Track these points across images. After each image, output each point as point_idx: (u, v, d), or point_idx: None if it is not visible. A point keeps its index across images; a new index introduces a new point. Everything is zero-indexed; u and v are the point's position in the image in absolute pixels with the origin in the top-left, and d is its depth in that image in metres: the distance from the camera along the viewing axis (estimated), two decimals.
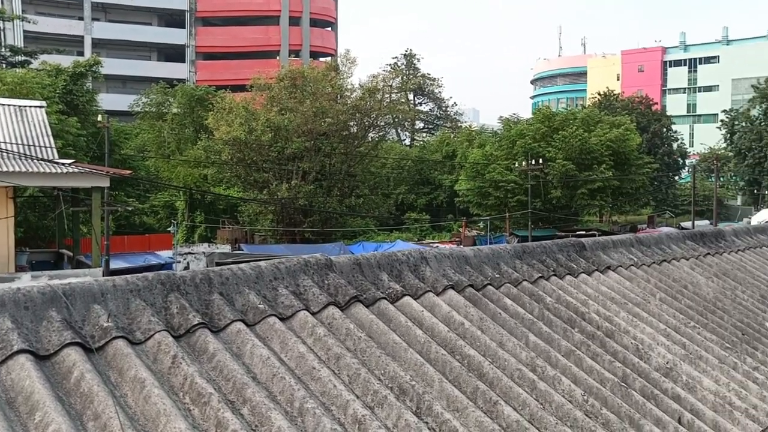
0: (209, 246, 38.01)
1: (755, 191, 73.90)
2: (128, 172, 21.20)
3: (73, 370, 2.55)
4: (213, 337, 2.93)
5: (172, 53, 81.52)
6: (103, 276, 18.84)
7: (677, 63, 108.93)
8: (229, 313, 3.06)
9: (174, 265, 32.75)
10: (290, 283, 3.45)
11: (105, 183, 14.79)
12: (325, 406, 2.75)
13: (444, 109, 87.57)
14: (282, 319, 3.19)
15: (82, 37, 75.48)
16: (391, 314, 3.54)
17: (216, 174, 47.46)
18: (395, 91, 60.07)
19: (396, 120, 67.57)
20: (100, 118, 35.57)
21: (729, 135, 76.66)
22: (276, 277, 3.42)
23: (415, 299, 3.78)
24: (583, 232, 46.47)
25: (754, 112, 74.96)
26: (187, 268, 33.56)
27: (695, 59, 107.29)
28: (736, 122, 76.04)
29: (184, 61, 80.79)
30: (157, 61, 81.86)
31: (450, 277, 4.10)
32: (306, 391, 2.75)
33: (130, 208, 19.37)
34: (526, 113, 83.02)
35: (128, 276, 3.05)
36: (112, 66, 64.08)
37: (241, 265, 3.39)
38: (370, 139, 51.01)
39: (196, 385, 2.61)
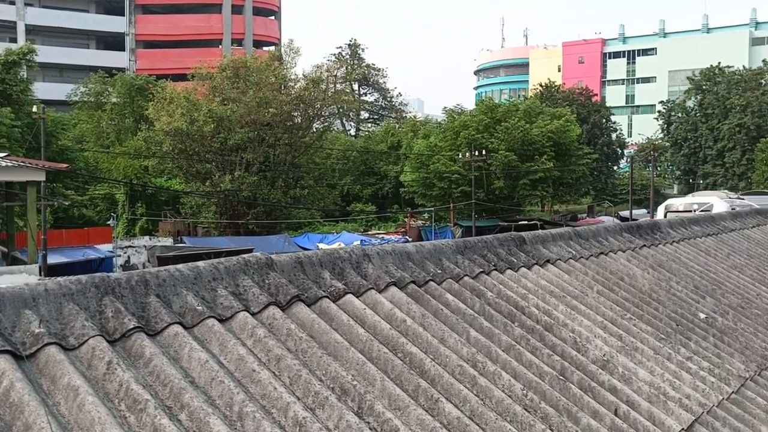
0: (150, 239, 37.34)
1: (690, 180, 76.20)
2: (64, 165, 20.63)
3: (2, 379, 2.46)
4: (149, 341, 2.87)
5: (111, 41, 79.58)
6: (41, 272, 18.34)
7: (616, 55, 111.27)
8: (166, 316, 3.00)
9: (114, 259, 32.09)
10: (230, 284, 3.40)
11: (41, 177, 14.34)
12: (265, 409, 2.72)
13: (389, 99, 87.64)
14: (221, 321, 3.14)
15: (15, 23, 72.97)
16: (333, 313, 3.53)
17: (157, 165, 46.60)
18: (340, 81, 59.92)
19: (341, 110, 67.40)
20: (35, 108, 34.50)
21: (666, 125, 78.90)
22: (215, 277, 3.37)
23: (357, 297, 3.77)
24: (525, 222, 47.23)
25: (690, 104, 77.23)
26: (127, 261, 32.95)
27: (634, 51, 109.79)
28: (673, 113, 78.28)
29: (123, 50, 78.94)
30: (96, 49, 79.79)
31: (392, 274, 4.11)
32: (246, 395, 2.72)
33: (67, 203, 18.83)
34: (470, 104, 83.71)
35: (61, 279, 2.96)
36: (47, 54, 62.14)
37: (179, 266, 3.33)
38: (314, 130, 50.74)
39: (132, 391, 2.55)
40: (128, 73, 63.82)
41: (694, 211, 35.88)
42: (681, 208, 39.43)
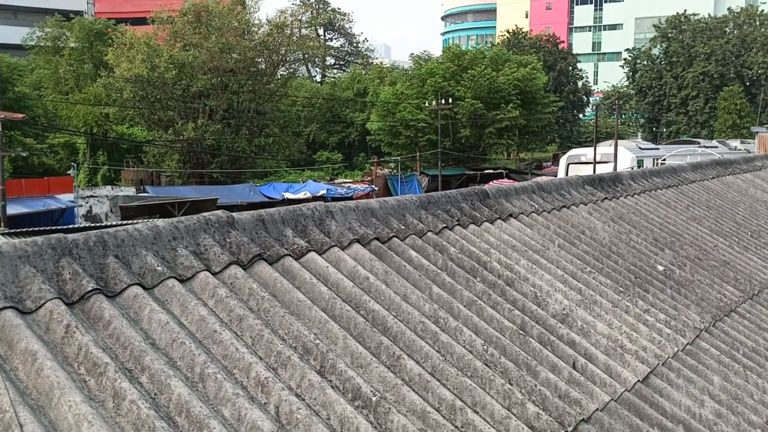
0: (113, 188, 36.81)
1: (654, 128, 77.03)
2: (21, 115, 20.09)
3: None
4: (109, 303, 2.84)
5: None
6: (0, 223, 17.96)
7: (583, 1, 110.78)
8: (126, 277, 2.97)
9: (76, 209, 31.63)
10: (190, 243, 3.37)
11: None
12: (227, 370, 2.73)
13: (355, 45, 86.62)
14: (181, 281, 3.12)
15: None
16: (296, 271, 3.52)
17: (118, 113, 45.66)
18: (305, 26, 58.86)
19: (306, 56, 66.34)
20: None
21: (631, 73, 79.28)
22: (175, 236, 3.33)
23: (320, 255, 3.77)
24: (491, 171, 47.43)
25: (655, 51, 77.57)
26: (89, 211, 32.50)
27: None
28: (638, 61, 78.60)
29: None
30: None
31: (356, 231, 4.10)
32: (207, 356, 2.72)
33: (25, 154, 18.37)
34: (438, 50, 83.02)
35: (15, 241, 2.90)
36: None
37: (138, 225, 3.28)
38: (279, 76, 50.01)
39: (91, 354, 2.53)
40: (86, 17, 61.93)
41: (598, 163, 36.00)
42: (584, 159, 39.37)
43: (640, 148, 40.06)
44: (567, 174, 33.49)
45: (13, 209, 26.36)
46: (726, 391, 4.24)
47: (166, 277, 3.08)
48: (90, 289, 2.84)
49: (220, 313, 3.02)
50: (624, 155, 37.34)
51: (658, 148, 41.60)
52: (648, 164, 34.85)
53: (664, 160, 36.21)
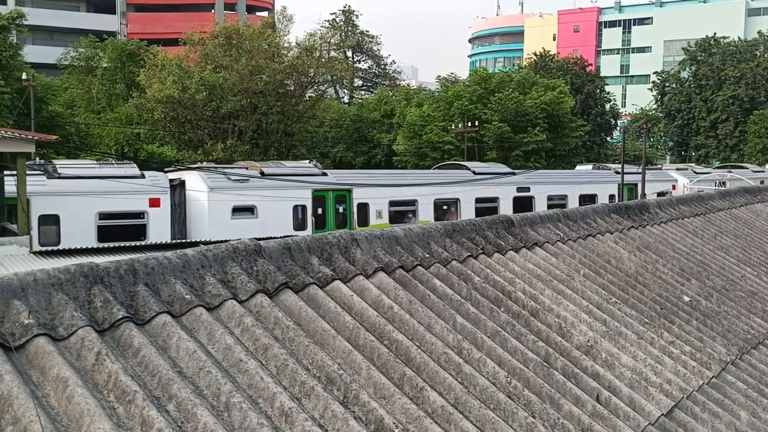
0: None
1: (683, 152, 76.32)
2: (54, 137, 20.46)
3: None
4: (138, 330, 2.91)
5: (102, 4, 78.41)
6: (30, 243, 18.28)
7: (612, 24, 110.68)
8: (155, 305, 3.04)
9: None
10: (218, 271, 3.43)
11: (30, 148, 14.29)
12: (252, 399, 2.77)
13: (383, 66, 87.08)
14: (209, 309, 3.18)
15: None
16: (321, 300, 3.57)
17: (149, 132, 46.33)
18: (333, 48, 59.36)
19: (334, 78, 66.90)
20: (25, 75, 34.04)
21: (660, 96, 78.77)
22: (203, 264, 3.40)
23: (345, 283, 3.81)
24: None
25: (684, 74, 77.07)
26: None
27: (629, 20, 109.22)
28: (667, 84, 78.12)
29: (114, 13, 77.90)
30: (86, 11, 78.73)
31: (380, 259, 4.14)
32: (233, 385, 2.77)
33: (57, 175, 18.73)
34: (465, 72, 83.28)
35: (49, 269, 2.98)
36: (37, 16, 61.35)
37: (167, 253, 3.35)
38: (307, 98, 50.45)
39: (120, 382, 2.59)
40: (119, 38, 63.10)
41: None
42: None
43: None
44: None
45: None
46: (753, 426, 4.19)
47: (194, 306, 3.14)
48: (120, 317, 2.91)
49: (245, 342, 3.07)
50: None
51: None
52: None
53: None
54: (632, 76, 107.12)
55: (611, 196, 31.50)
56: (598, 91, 74.40)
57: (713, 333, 5.15)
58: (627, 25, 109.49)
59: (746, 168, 45.22)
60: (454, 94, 52.05)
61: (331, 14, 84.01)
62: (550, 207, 27.74)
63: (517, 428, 3.20)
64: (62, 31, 72.93)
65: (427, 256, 4.46)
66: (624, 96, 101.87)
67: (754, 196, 9.97)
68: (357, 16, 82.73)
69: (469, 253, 4.75)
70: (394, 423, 2.86)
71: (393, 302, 3.78)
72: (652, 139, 77.64)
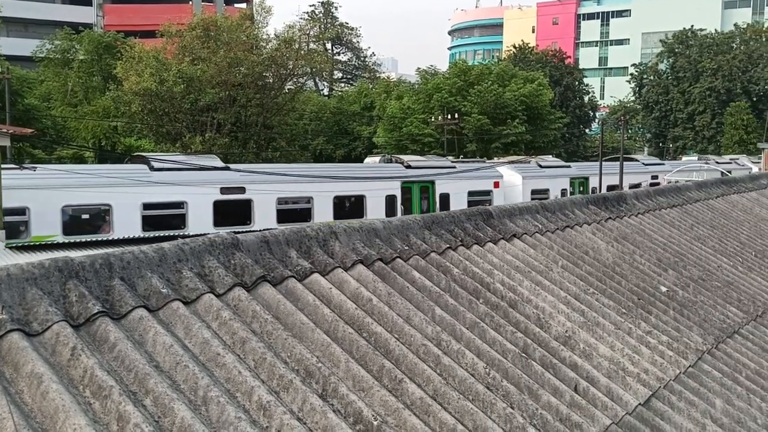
0: None
1: (660, 143, 76.97)
2: (30, 130, 20.29)
3: None
4: (114, 325, 2.88)
5: None
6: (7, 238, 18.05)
7: (590, 16, 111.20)
8: (131, 299, 3.01)
9: None
10: (195, 265, 3.40)
11: (5, 142, 14.09)
12: (229, 393, 2.76)
13: (362, 59, 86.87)
14: (186, 303, 3.15)
15: None
16: (299, 293, 3.55)
17: (126, 125, 45.91)
18: (313, 40, 59.13)
19: (313, 70, 66.63)
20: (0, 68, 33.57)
21: (638, 88, 79.35)
22: (180, 258, 3.37)
23: (323, 276, 3.80)
24: None
25: (662, 67, 77.65)
26: None
27: (608, 13, 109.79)
28: (645, 76, 78.69)
29: (90, 4, 77.02)
30: (62, 3, 77.74)
31: (359, 251, 4.13)
32: (210, 379, 2.75)
33: (34, 168, 18.54)
34: (445, 64, 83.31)
35: (23, 263, 2.94)
36: (12, 8, 60.42)
37: (143, 247, 3.32)
38: (286, 90, 50.23)
39: (96, 377, 2.57)
40: (96, 30, 62.41)
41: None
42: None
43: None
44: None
45: None
46: (728, 414, 4.24)
47: (170, 300, 3.11)
48: (96, 311, 2.88)
49: (223, 336, 3.06)
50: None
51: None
52: None
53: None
54: (610, 69, 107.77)
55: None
56: (577, 83, 74.81)
57: (690, 323, 5.20)
58: (605, 18, 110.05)
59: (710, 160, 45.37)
60: (434, 86, 52.13)
61: (310, 6, 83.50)
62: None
63: (496, 419, 3.22)
64: (37, 23, 72.03)
65: (407, 248, 4.46)
66: (602, 88, 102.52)
67: (730, 187, 10.07)
68: (336, 8, 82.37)
69: (448, 245, 4.76)
70: (373, 415, 2.85)
71: (372, 294, 3.77)
72: (630, 131, 78.21)
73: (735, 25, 76.78)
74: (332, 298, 3.62)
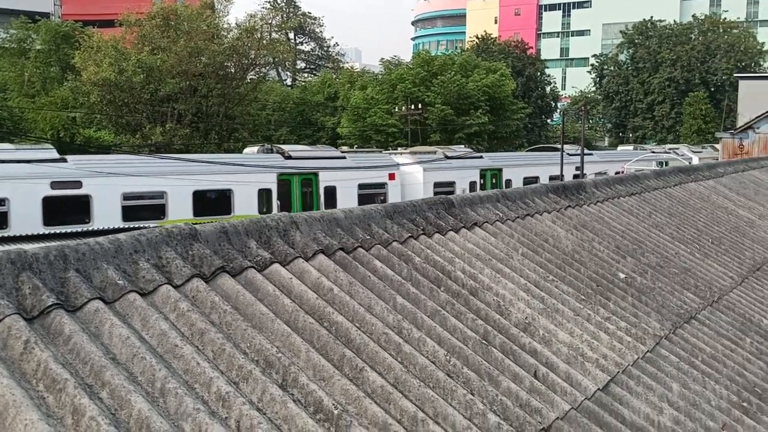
0: None
1: (620, 133, 78.03)
2: None
3: None
4: (69, 317, 2.82)
5: None
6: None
7: (552, 7, 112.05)
8: (86, 291, 2.96)
9: None
10: (152, 256, 3.36)
11: None
12: (188, 385, 2.73)
13: (326, 49, 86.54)
14: (143, 295, 3.11)
15: None
16: (259, 283, 3.53)
17: (85, 116, 45.12)
18: (275, 29, 58.66)
19: (276, 60, 66.14)
20: None
21: (598, 79, 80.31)
22: (136, 249, 3.32)
23: (284, 266, 3.77)
24: None
25: (622, 57, 78.65)
26: None
27: (569, 4, 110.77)
28: (605, 67, 79.65)
29: None
30: None
31: (320, 241, 4.12)
32: (168, 371, 2.72)
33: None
34: (408, 55, 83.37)
35: None
36: None
37: (99, 238, 3.27)
38: (249, 80, 49.81)
39: (50, 371, 2.52)
40: (53, 19, 61.12)
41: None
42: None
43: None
44: None
45: None
46: (684, 397, 4.33)
47: (127, 291, 3.07)
48: (50, 303, 2.82)
49: (181, 327, 3.02)
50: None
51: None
52: None
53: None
54: (572, 59, 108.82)
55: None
56: (539, 74, 75.43)
57: (648, 309, 5.28)
58: (566, 9, 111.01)
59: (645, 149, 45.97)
60: (398, 77, 52.14)
61: None
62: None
63: (456, 406, 3.23)
64: None
65: (368, 237, 4.46)
66: (564, 79, 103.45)
67: (687, 175, 10.25)
68: None
69: (409, 234, 4.77)
70: (334, 404, 2.85)
71: (333, 284, 3.76)
72: (591, 121, 79.15)
73: (693, 16, 78.05)
74: (293, 288, 3.61)
